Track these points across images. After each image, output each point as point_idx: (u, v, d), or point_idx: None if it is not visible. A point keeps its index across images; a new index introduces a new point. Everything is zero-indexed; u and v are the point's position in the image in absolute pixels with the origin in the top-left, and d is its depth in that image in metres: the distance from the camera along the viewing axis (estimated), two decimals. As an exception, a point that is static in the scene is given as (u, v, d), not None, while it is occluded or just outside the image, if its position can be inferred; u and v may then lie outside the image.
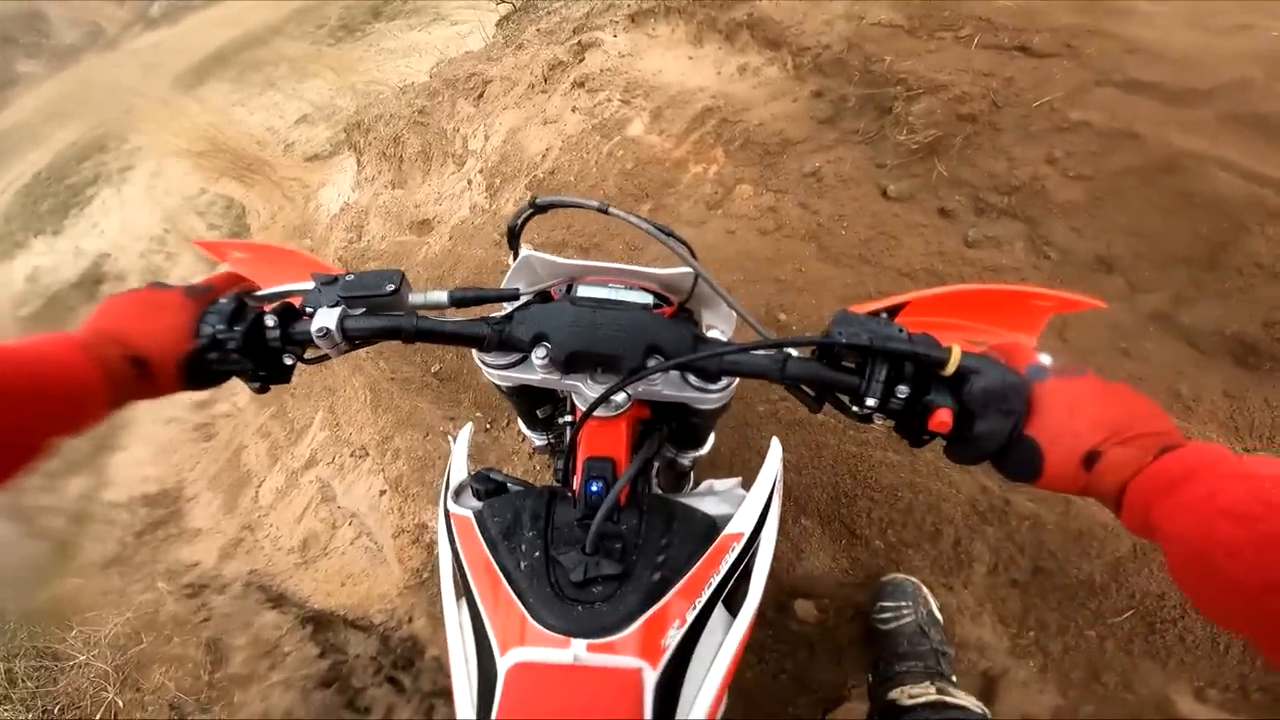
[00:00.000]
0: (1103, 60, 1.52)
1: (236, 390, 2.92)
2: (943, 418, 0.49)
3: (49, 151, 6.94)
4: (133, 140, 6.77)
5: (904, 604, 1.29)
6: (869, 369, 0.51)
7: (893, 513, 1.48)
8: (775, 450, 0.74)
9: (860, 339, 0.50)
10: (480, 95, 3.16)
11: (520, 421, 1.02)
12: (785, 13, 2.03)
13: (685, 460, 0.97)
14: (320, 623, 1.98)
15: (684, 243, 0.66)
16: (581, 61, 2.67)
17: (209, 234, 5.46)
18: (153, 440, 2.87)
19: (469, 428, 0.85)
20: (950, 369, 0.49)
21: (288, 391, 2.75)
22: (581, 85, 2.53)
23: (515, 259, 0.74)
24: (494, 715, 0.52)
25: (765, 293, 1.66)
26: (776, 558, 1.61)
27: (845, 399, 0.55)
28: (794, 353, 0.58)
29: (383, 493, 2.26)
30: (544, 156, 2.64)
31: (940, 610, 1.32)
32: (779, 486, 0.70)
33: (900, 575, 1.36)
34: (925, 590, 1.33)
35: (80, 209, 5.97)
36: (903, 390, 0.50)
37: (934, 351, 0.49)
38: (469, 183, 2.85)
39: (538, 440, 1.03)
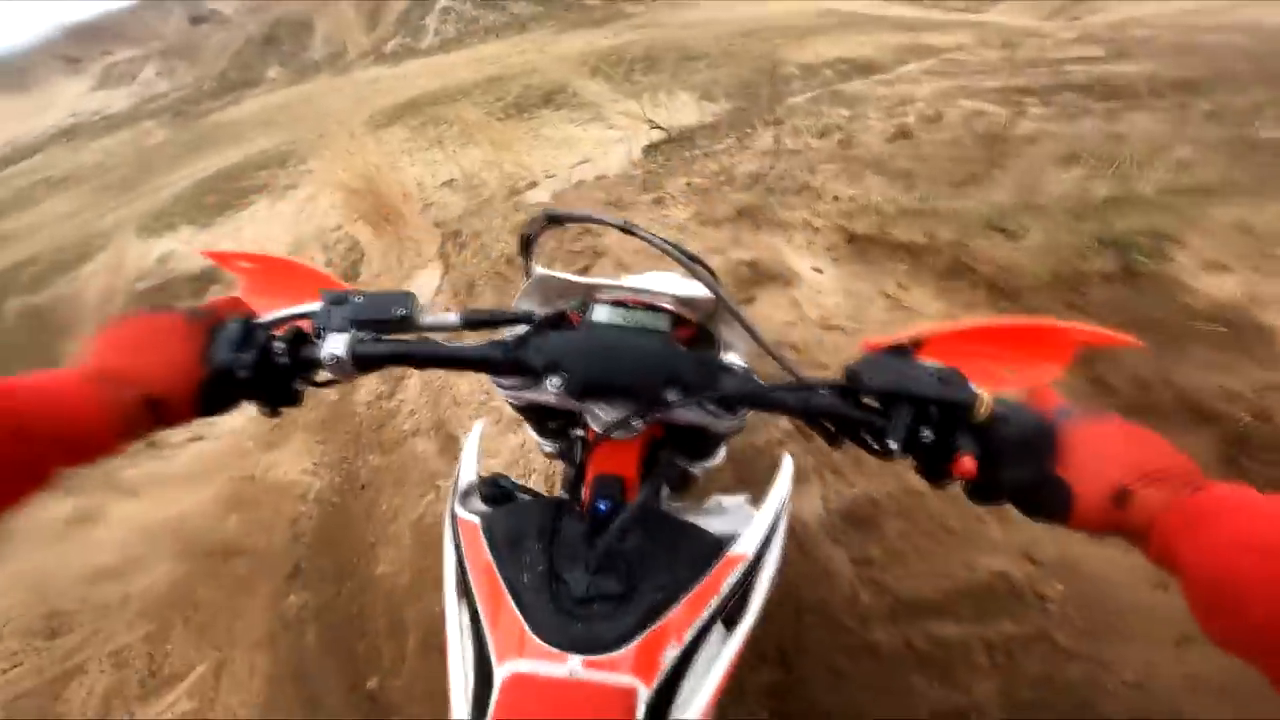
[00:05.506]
0: None
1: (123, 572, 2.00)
2: (968, 465, 0.44)
3: (241, 153, 7.00)
4: (310, 162, 6.65)
5: None
6: (894, 410, 0.47)
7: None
8: (786, 469, 0.68)
9: (888, 383, 0.47)
10: (585, 271, 2.15)
11: (530, 428, 0.83)
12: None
13: (695, 470, 0.82)
14: None
15: (709, 269, 0.60)
16: (750, 302, 1.56)
17: (326, 270, 4.93)
18: None
19: (480, 424, 0.79)
20: (980, 416, 0.45)
21: (181, 614, 1.76)
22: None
23: (528, 274, 0.68)
24: None
25: None
26: None
27: (867, 437, 0.50)
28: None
29: None
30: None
31: None
32: (788, 507, 0.65)
33: None
34: None
35: (235, 211, 5.80)
36: (927, 434, 0.47)
37: (963, 396, 0.45)
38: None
39: (548, 447, 0.85)
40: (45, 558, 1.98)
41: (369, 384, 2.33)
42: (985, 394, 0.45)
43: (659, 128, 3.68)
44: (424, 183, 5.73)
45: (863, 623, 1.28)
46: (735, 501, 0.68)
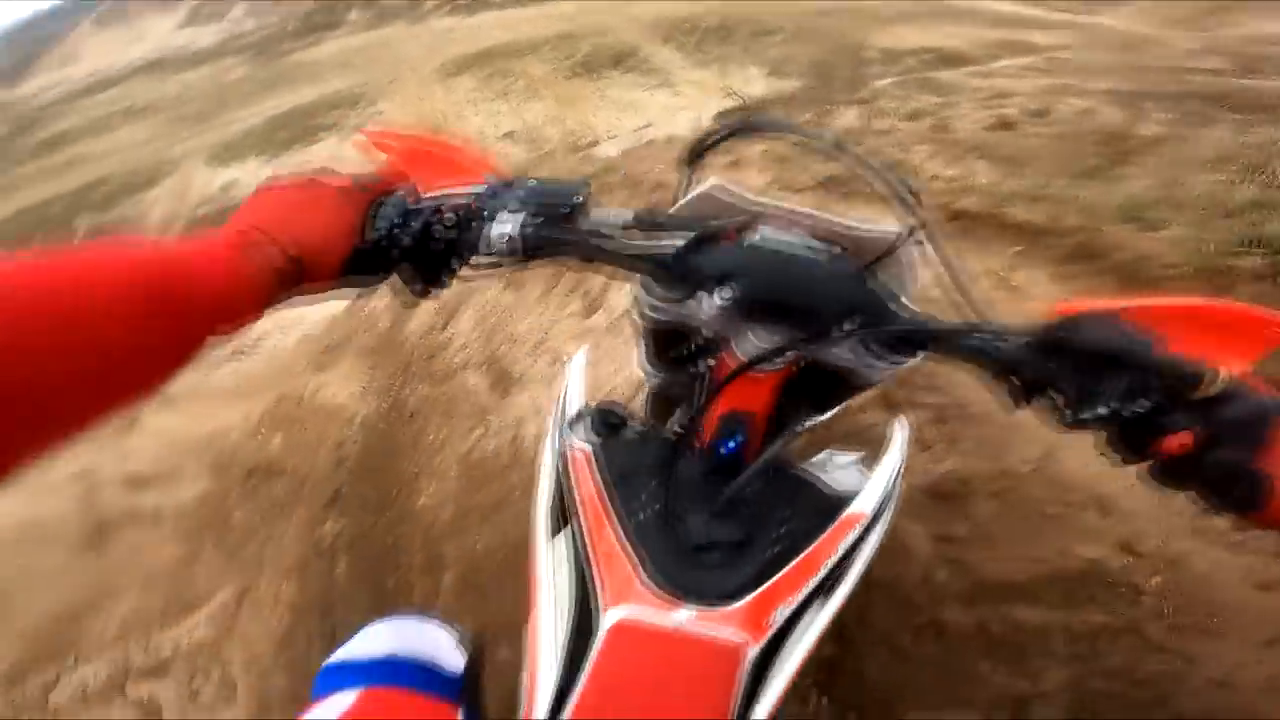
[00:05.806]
0: None
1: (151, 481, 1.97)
2: (1182, 440, 0.39)
3: (316, 92, 7.05)
4: (379, 105, 6.66)
5: None
6: (1109, 374, 0.41)
7: None
8: (901, 431, 0.65)
9: (1111, 343, 0.41)
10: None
11: (642, 355, 0.76)
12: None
13: (801, 425, 0.75)
14: None
15: (917, 198, 0.59)
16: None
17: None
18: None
19: (584, 351, 0.75)
20: (1210, 390, 0.40)
21: (215, 536, 1.74)
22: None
23: (692, 182, 0.64)
24: (586, 671, 0.45)
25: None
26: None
27: (1059, 400, 0.43)
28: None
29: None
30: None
31: None
32: (901, 472, 0.61)
33: None
34: None
35: (303, 147, 5.85)
36: (1144, 404, 0.40)
37: (1193, 367, 0.40)
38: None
39: (654, 379, 0.79)
40: (92, 462, 2.00)
41: (421, 315, 2.28)
42: (1221, 368, 0.39)
43: (734, 94, 3.49)
44: (485, 132, 5.65)
45: (935, 602, 1.19)
46: (848, 459, 0.65)
